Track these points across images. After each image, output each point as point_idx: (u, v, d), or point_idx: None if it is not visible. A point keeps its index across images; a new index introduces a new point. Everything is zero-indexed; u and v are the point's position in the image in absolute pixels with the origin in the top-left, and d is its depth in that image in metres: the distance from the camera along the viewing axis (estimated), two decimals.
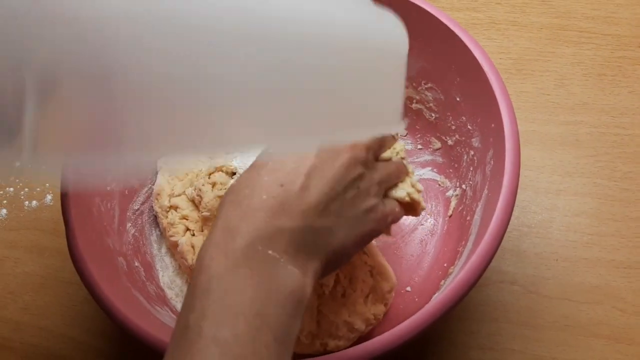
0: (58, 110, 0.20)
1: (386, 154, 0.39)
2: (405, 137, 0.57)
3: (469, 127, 0.49)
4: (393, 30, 0.30)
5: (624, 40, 0.59)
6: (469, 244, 0.44)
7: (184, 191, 0.51)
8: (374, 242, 0.47)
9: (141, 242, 0.52)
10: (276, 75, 0.23)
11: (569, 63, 0.59)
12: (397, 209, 0.38)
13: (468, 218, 0.48)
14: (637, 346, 0.46)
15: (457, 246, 0.48)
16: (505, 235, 0.51)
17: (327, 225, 0.32)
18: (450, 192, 0.53)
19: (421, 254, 0.51)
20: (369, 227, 0.35)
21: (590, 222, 0.51)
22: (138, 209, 0.53)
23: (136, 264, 0.49)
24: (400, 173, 0.39)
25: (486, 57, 0.44)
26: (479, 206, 0.45)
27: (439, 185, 0.54)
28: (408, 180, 0.40)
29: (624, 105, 0.56)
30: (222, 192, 0.48)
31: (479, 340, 0.48)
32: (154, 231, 0.54)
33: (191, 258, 0.48)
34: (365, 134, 0.34)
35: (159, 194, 0.52)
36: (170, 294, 0.51)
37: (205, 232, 0.49)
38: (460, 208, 0.50)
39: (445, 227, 0.52)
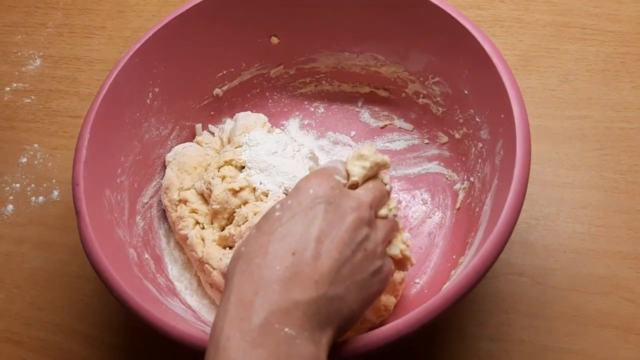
0: None
1: (382, 212, 0.39)
2: (412, 132, 0.57)
3: (477, 119, 0.49)
4: None
5: (627, 37, 0.60)
6: (479, 234, 0.44)
7: (193, 185, 0.52)
8: None
9: (150, 236, 0.52)
10: None
11: (573, 59, 0.60)
12: (392, 266, 0.39)
13: (477, 210, 0.48)
14: None
15: (466, 238, 0.48)
16: (510, 236, 0.52)
17: (339, 293, 0.32)
18: (457, 185, 0.53)
19: (430, 246, 0.52)
20: (375, 288, 0.35)
21: (597, 214, 0.52)
22: (147, 203, 0.53)
23: (146, 256, 0.50)
24: (394, 231, 0.40)
25: (494, 48, 0.45)
26: (489, 197, 0.45)
27: (447, 178, 0.54)
28: (399, 237, 0.40)
29: (628, 99, 0.57)
30: (231, 185, 0.48)
31: (488, 331, 0.48)
32: (162, 225, 0.54)
33: (201, 250, 0.48)
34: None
35: (167, 188, 0.52)
36: (179, 286, 0.51)
37: (215, 225, 0.49)
38: (469, 200, 0.51)
39: (453, 220, 0.52)
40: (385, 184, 0.40)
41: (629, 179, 0.53)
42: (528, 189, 0.53)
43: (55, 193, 0.60)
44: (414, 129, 0.58)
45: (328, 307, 0.32)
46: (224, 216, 0.49)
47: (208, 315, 0.49)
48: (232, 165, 0.51)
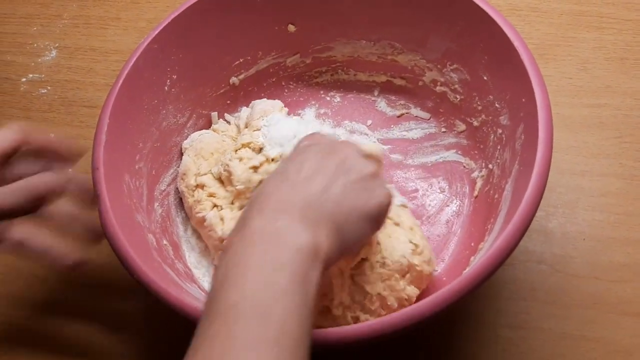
0: None
1: None
2: (428, 121, 0.57)
3: (496, 105, 0.49)
4: None
5: None
6: (500, 220, 0.44)
7: (210, 170, 0.52)
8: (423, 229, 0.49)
9: (168, 223, 0.52)
10: None
11: (590, 47, 0.60)
12: (390, 196, 0.40)
13: (496, 196, 0.48)
14: None
15: (485, 225, 0.48)
16: (533, 219, 0.52)
17: (332, 198, 0.36)
18: (475, 174, 0.53)
19: (447, 234, 0.51)
20: (368, 199, 0.37)
21: (617, 201, 0.51)
22: (164, 190, 0.53)
23: (164, 242, 0.50)
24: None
25: (514, 31, 0.45)
26: (509, 182, 0.45)
27: (464, 166, 0.54)
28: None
29: None
30: (252, 162, 0.48)
31: (507, 318, 0.48)
32: (179, 213, 0.54)
33: (220, 229, 0.48)
34: None
35: (184, 174, 0.52)
36: (197, 273, 0.51)
37: (237, 204, 0.49)
38: (487, 188, 0.50)
39: (471, 207, 0.52)
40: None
41: None
42: None
43: None
44: (430, 117, 0.57)
45: (320, 207, 0.35)
46: (247, 195, 0.49)
47: None
48: (249, 147, 0.51)
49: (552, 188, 0.53)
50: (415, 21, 0.53)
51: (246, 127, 0.54)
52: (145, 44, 0.50)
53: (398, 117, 0.58)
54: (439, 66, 0.54)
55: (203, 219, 0.50)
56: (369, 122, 0.59)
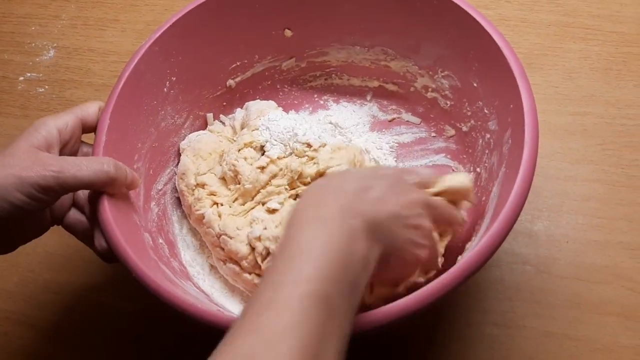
0: None
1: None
2: (419, 125, 0.59)
3: (485, 111, 0.51)
4: None
5: (629, 37, 0.62)
6: (487, 219, 0.45)
7: (209, 170, 0.53)
8: None
9: (164, 221, 0.53)
10: None
11: (576, 58, 0.62)
12: (434, 251, 0.42)
13: (483, 198, 0.49)
14: None
15: (473, 226, 0.49)
16: (518, 218, 0.53)
17: (391, 226, 0.37)
18: None
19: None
20: (414, 250, 0.39)
21: (599, 206, 0.53)
22: (161, 189, 0.55)
23: (160, 240, 0.51)
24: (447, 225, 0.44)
25: (504, 40, 0.46)
26: (496, 185, 0.47)
27: (453, 170, 0.56)
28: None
29: (629, 97, 0.59)
30: (258, 163, 0.50)
31: (493, 317, 0.50)
32: (175, 211, 0.55)
33: (217, 225, 0.50)
34: None
35: (184, 174, 0.54)
36: (192, 271, 0.52)
37: (239, 201, 0.51)
38: (475, 191, 0.52)
39: None
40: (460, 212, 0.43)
41: (630, 173, 0.54)
42: (533, 182, 0.55)
43: None
44: (421, 122, 0.59)
45: (381, 230, 0.36)
46: (252, 194, 0.50)
47: (220, 299, 0.51)
48: (251, 147, 0.52)
49: (538, 192, 0.55)
50: (409, 29, 0.54)
51: (242, 128, 0.55)
52: (147, 46, 0.51)
53: (389, 121, 0.60)
54: (430, 73, 0.56)
55: (202, 216, 0.51)
56: (361, 126, 0.60)
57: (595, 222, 0.53)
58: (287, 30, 0.57)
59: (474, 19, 0.48)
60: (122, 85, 0.49)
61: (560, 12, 0.65)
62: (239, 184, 0.50)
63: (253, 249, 0.48)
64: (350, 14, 0.56)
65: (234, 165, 0.51)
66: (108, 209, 0.44)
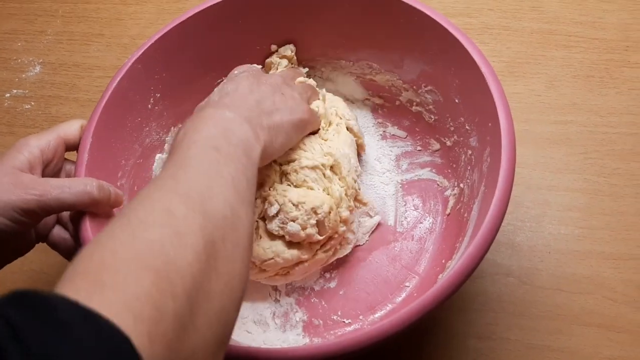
0: None
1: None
2: (405, 139, 0.59)
3: (467, 127, 0.51)
4: None
5: (611, 44, 0.62)
6: (466, 239, 0.46)
7: None
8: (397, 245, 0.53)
9: None
10: None
11: (558, 65, 0.62)
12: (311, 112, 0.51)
13: (465, 215, 0.49)
14: (627, 334, 0.48)
15: (455, 242, 0.49)
16: (500, 229, 0.54)
17: (266, 110, 0.45)
18: (448, 192, 0.55)
19: (420, 250, 0.53)
20: (299, 114, 0.48)
21: (581, 216, 0.54)
22: None
23: None
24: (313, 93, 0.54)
25: (483, 58, 0.46)
26: (476, 203, 0.47)
27: (438, 185, 0.56)
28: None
29: (611, 105, 0.59)
30: None
31: (476, 329, 0.50)
32: None
33: None
34: None
35: None
36: None
37: None
38: (458, 206, 0.52)
39: (444, 225, 0.53)
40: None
41: (612, 182, 0.55)
42: (514, 192, 0.55)
43: None
44: (407, 136, 0.59)
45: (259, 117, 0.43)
46: None
47: None
48: None
49: (520, 203, 0.55)
50: (391, 45, 0.55)
51: None
52: (129, 64, 0.51)
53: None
54: (414, 87, 0.56)
55: None
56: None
57: (577, 232, 0.53)
58: (272, 46, 0.58)
59: (453, 36, 0.48)
60: (105, 103, 0.49)
61: (542, 20, 0.65)
62: None
63: None
64: (333, 29, 0.56)
65: None
66: (90, 229, 0.44)
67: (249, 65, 0.54)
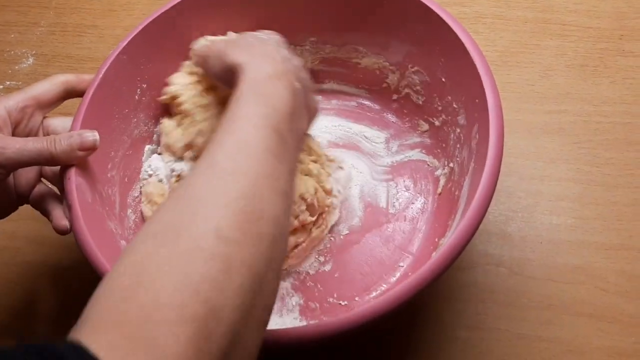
0: None
1: None
2: (394, 122, 0.59)
3: (454, 105, 0.51)
4: None
5: (605, 32, 0.62)
6: (458, 215, 0.45)
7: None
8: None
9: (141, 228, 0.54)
10: None
11: (552, 55, 0.61)
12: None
13: (457, 193, 0.49)
14: (618, 324, 0.48)
15: (448, 220, 0.49)
16: (492, 219, 0.53)
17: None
18: (438, 171, 0.55)
19: (412, 230, 0.53)
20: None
21: (573, 206, 0.53)
22: (137, 197, 0.55)
23: None
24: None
25: (466, 33, 0.47)
26: (466, 179, 0.47)
27: (428, 165, 0.56)
28: None
29: (605, 94, 0.58)
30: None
31: (466, 319, 0.50)
32: None
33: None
34: None
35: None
36: None
37: None
38: (449, 185, 0.52)
39: (435, 204, 0.54)
40: None
41: (605, 171, 0.54)
42: (506, 182, 0.55)
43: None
44: (396, 118, 0.59)
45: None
46: None
47: None
48: None
49: (512, 192, 0.55)
50: (376, 27, 0.55)
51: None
52: (114, 55, 0.51)
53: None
54: (401, 69, 0.56)
55: None
56: (336, 123, 0.60)
57: (570, 222, 0.53)
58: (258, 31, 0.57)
59: (437, 15, 0.48)
60: (92, 95, 0.49)
61: (537, 9, 0.64)
62: None
63: None
64: (317, 14, 0.56)
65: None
66: (81, 218, 0.44)
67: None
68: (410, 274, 0.50)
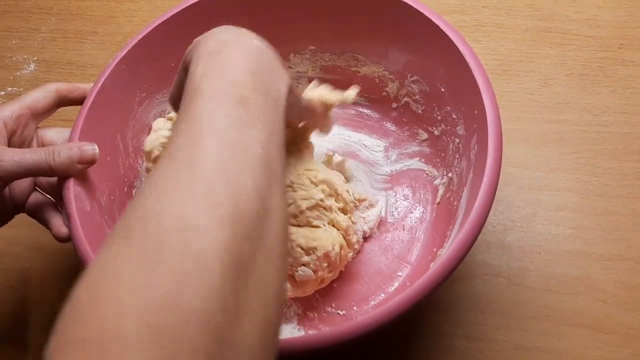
0: None
1: None
2: (394, 131, 0.59)
3: (453, 116, 0.51)
4: None
5: (605, 41, 0.61)
6: (456, 226, 0.45)
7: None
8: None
9: None
10: None
11: (552, 64, 0.61)
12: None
13: (455, 203, 0.49)
14: (617, 335, 0.48)
15: (446, 231, 0.49)
16: (490, 229, 0.53)
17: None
18: (437, 181, 0.55)
19: (411, 240, 0.53)
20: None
21: (572, 216, 0.53)
22: None
23: None
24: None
25: (467, 45, 0.47)
26: (465, 190, 0.47)
27: (427, 174, 0.56)
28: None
29: (605, 104, 0.58)
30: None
31: (464, 330, 0.50)
32: None
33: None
34: None
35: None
36: None
37: None
38: (448, 195, 0.52)
39: (434, 214, 0.54)
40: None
41: (604, 181, 0.54)
42: (505, 192, 0.55)
43: None
44: (395, 127, 0.59)
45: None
46: None
47: None
48: None
49: (511, 202, 0.54)
50: (375, 36, 0.55)
51: None
52: (113, 64, 0.51)
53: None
54: (400, 78, 0.56)
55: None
56: (335, 132, 0.60)
57: (568, 232, 0.52)
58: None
59: (435, 24, 0.48)
60: (89, 106, 0.49)
61: (537, 17, 0.64)
62: None
63: None
64: (316, 23, 0.56)
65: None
66: (80, 228, 0.44)
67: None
68: (408, 283, 0.50)
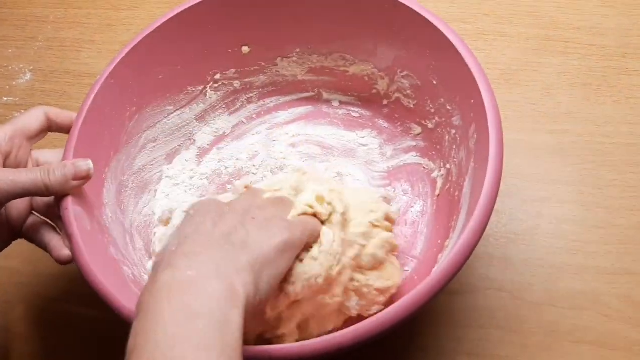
0: None
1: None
2: (387, 128, 0.59)
3: (448, 107, 0.50)
4: None
5: (609, 50, 0.61)
6: (462, 216, 0.45)
7: None
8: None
9: (143, 254, 0.53)
10: None
11: (555, 73, 0.60)
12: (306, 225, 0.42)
13: (456, 194, 0.49)
14: (621, 351, 0.47)
15: (449, 222, 0.49)
16: (493, 241, 0.53)
17: (240, 241, 0.36)
18: (435, 173, 0.54)
19: (414, 234, 0.53)
20: (280, 235, 0.38)
21: (575, 229, 0.52)
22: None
23: (142, 273, 0.50)
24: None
25: (456, 35, 0.46)
26: (467, 180, 0.46)
27: (424, 168, 0.55)
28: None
29: (608, 114, 0.57)
30: None
31: (466, 346, 0.49)
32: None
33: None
34: None
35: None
36: None
37: None
38: (447, 186, 0.52)
39: (435, 206, 0.53)
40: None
41: (608, 194, 0.53)
42: (507, 204, 0.54)
43: None
44: (387, 123, 0.59)
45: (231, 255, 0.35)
46: None
47: None
48: None
49: (514, 215, 0.54)
50: (363, 33, 0.54)
51: None
52: (102, 79, 0.51)
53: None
54: (390, 75, 0.56)
55: None
56: (329, 132, 0.60)
57: (571, 245, 0.52)
58: (244, 47, 0.57)
59: (422, 16, 0.48)
60: (82, 123, 0.49)
61: (539, 25, 0.63)
62: None
63: None
64: (303, 24, 0.55)
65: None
66: (84, 248, 0.43)
67: (206, 198, 0.50)
68: (415, 277, 0.49)
